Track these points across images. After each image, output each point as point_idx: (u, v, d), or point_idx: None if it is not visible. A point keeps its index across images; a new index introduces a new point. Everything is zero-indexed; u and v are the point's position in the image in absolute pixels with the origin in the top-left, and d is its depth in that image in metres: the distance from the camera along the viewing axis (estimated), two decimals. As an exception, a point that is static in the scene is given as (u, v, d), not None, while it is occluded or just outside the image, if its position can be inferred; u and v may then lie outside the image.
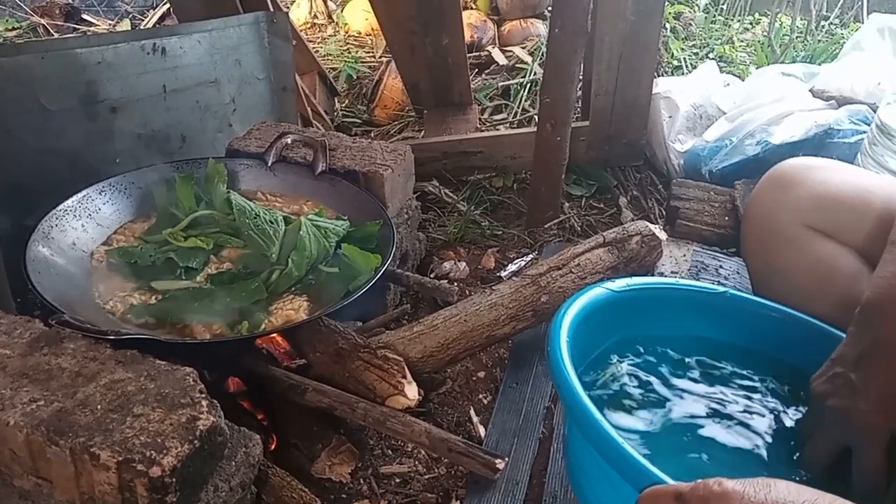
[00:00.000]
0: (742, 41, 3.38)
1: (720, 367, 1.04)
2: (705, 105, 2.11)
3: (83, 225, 1.24)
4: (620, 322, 1.01)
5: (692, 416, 0.95)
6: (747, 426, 0.93)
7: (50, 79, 1.41)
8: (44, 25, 3.28)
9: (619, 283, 1.03)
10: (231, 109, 1.75)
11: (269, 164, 1.43)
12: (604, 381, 0.95)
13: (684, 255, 1.62)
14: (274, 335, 1.29)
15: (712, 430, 0.93)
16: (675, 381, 1.00)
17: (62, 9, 3.29)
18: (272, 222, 1.23)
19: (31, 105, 1.38)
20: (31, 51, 1.38)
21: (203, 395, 0.89)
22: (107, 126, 1.52)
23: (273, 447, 1.18)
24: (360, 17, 3.37)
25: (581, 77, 2.18)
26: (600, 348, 0.98)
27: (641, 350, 1.04)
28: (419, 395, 1.21)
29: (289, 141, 1.44)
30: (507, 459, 1.18)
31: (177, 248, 1.19)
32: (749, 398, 0.97)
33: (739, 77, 2.44)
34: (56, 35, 3.18)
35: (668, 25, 3.19)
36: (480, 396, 1.40)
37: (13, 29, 3.26)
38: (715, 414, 0.94)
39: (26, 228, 1.18)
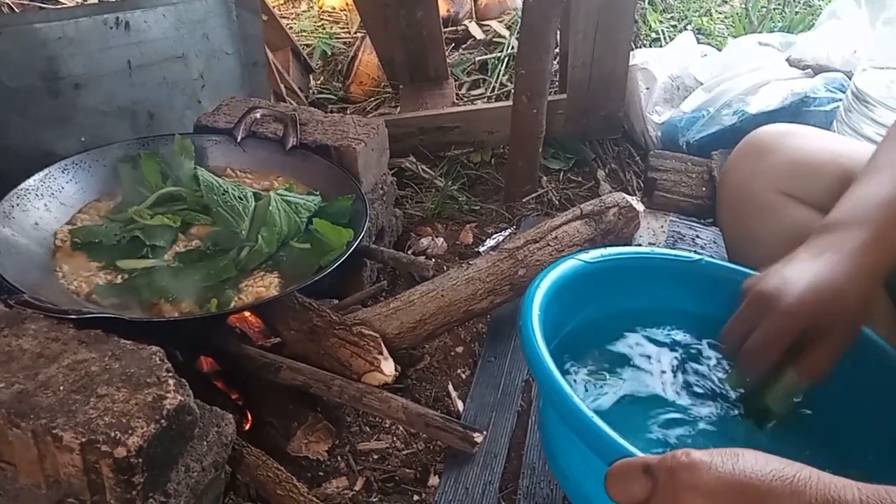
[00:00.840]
0: (720, 13, 3.37)
1: (695, 340, 1.03)
2: (683, 76, 2.09)
3: (46, 205, 1.21)
4: (594, 294, 1.00)
5: (664, 390, 0.94)
6: (721, 399, 0.92)
7: (9, 55, 1.36)
8: (8, 4, 3.19)
9: (592, 254, 1.01)
10: (200, 85, 1.71)
11: (239, 140, 1.39)
12: (576, 356, 0.94)
13: (661, 227, 1.62)
14: (247, 313, 1.27)
15: (685, 402, 0.92)
16: (648, 354, 0.99)
17: (28, -13, 3.19)
18: (241, 198, 1.20)
19: (-11, 82, 1.34)
20: (-14, 26, 1.33)
21: (170, 374, 0.87)
22: (70, 103, 1.48)
23: (248, 426, 1.16)
24: (334, -8, 3.31)
25: (558, 50, 2.16)
26: (574, 321, 0.97)
27: (615, 322, 1.03)
28: (396, 370, 1.20)
29: (258, 115, 1.41)
30: (485, 433, 1.17)
31: (143, 226, 1.16)
32: (723, 370, 0.97)
33: (717, 48, 2.42)
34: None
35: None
36: (459, 371, 1.39)
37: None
38: (687, 386, 0.94)
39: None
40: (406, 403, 1.17)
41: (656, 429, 0.87)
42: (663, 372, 0.97)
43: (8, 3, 3.22)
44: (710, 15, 3.32)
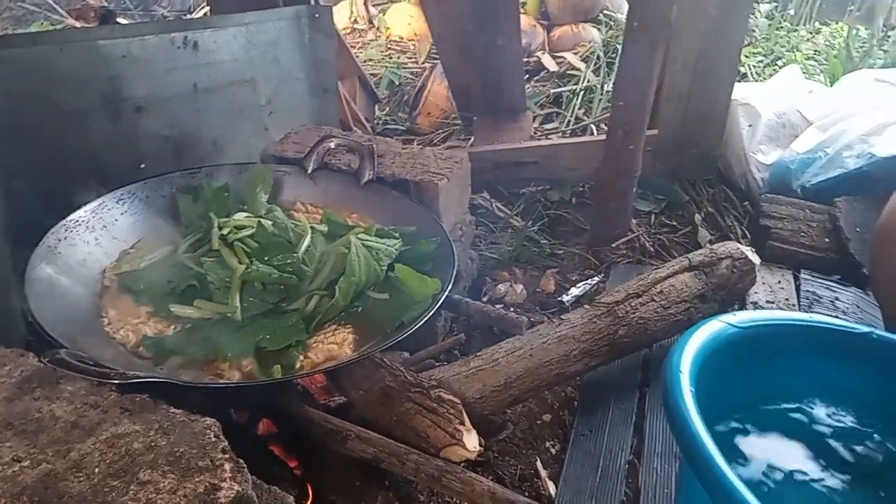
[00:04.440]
0: (808, 50, 3.16)
1: (861, 428, 0.84)
2: (789, 113, 1.89)
3: (96, 238, 1.08)
4: (745, 368, 0.82)
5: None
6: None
7: (69, 73, 1.26)
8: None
9: (741, 317, 0.83)
10: (267, 112, 1.59)
11: (310, 172, 1.25)
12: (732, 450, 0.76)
13: (779, 282, 1.41)
14: (312, 370, 1.12)
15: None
16: (810, 448, 0.81)
17: (97, 12, 3.20)
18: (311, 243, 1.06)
19: (47, 102, 1.23)
20: (48, 41, 1.23)
21: (226, 456, 0.72)
22: (131, 127, 1.37)
23: (308, 504, 0.99)
24: (402, 21, 3.22)
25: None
26: (726, 402, 0.79)
27: (767, 404, 0.84)
28: (480, 445, 1.02)
29: (332, 145, 1.27)
30: (586, 528, 0.98)
31: (198, 274, 1.01)
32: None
33: (824, 84, 2.22)
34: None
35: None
36: (547, 444, 1.20)
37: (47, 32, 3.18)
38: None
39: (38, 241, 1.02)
40: (493, 487, 0.98)
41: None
42: (823, 468, 0.78)
43: (78, 28, 3.23)
44: (799, 49, 3.12)
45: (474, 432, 1.03)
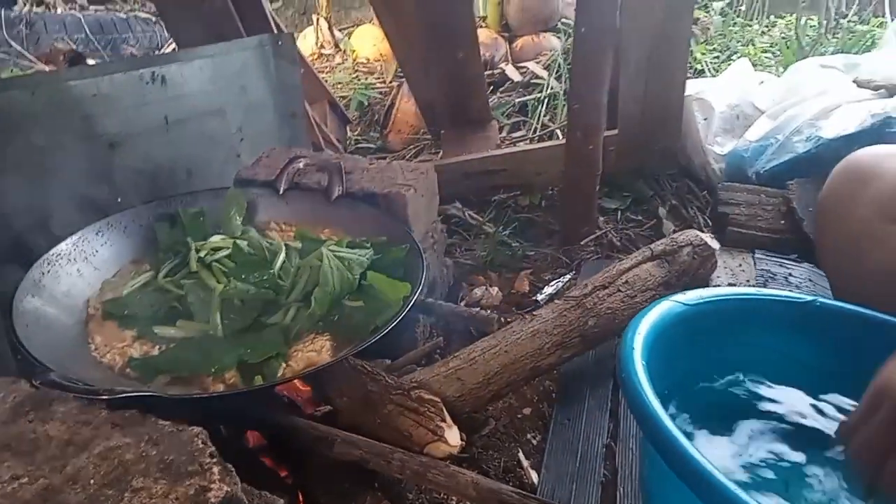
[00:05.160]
0: (762, 43, 3.27)
1: (810, 397, 0.89)
2: (741, 104, 1.97)
3: (78, 270, 1.12)
4: (695, 341, 0.87)
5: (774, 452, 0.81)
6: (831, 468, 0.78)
7: (43, 115, 1.30)
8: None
9: (690, 296, 0.89)
10: (238, 139, 1.64)
11: (281, 192, 1.30)
12: (686, 413, 0.81)
13: (740, 265, 1.47)
14: (295, 380, 1.16)
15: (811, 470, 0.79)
16: (760, 411, 0.86)
17: (66, 55, 3.25)
18: (287, 257, 1.10)
19: (22, 144, 1.28)
20: (20, 86, 1.28)
21: (214, 460, 0.75)
22: (106, 163, 1.41)
23: (300, 510, 1.03)
24: (367, 43, 3.30)
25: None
26: (677, 374, 0.84)
27: (718, 374, 0.89)
28: (462, 440, 1.06)
29: (301, 165, 1.32)
30: (567, 510, 1.03)
31: (178, 296, 1.06)
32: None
33: (774, 74, 2.30)
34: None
35: (687, 30, 3.08)
36: (529, 436, 1.25)
37: (19, 77, 3.22)
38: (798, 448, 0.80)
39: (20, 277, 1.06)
40: (476, 478, 1.02)
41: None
42: (773, 432, 0.84)
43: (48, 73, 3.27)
44: (753, 44, 3.22)
45: (455, 428, 1.08)
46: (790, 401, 0.88)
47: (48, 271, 1.08)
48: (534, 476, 1.16)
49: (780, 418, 0.85)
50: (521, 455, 1.20)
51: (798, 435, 0.83)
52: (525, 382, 1.27)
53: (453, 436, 1.06)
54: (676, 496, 0.69)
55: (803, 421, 0.85)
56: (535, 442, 1.24)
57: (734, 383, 0.89)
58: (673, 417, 0.78)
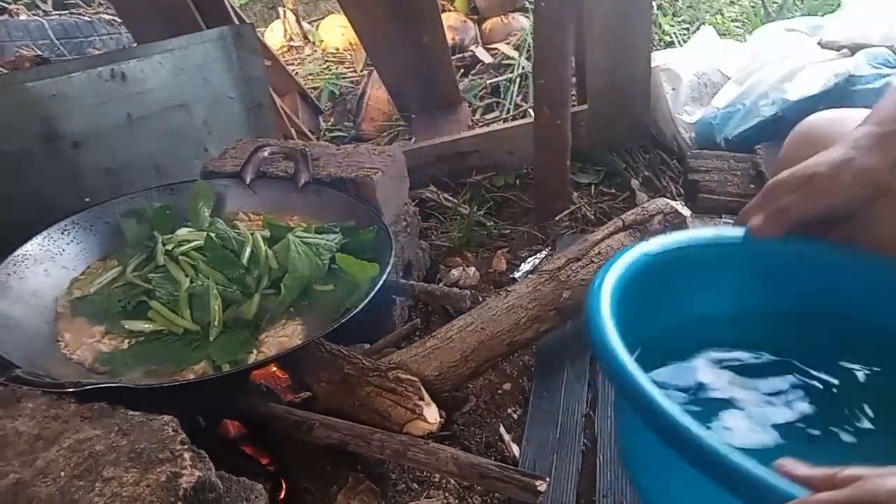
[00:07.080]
0: (731, 12, 3.27)
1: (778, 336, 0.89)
2: (708, 72, 1.98)
3: (45, 270, 1.11)
4: (664, 290, 0.87)
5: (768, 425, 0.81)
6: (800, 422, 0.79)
7: (3, 118, 1.29)
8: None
9: (653, 243, 0.88)
10: (205, 133, 1.63)
11: (248, 182, 1.30)
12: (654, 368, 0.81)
13: (712, 231, 1.48)
14: (273, 368, 1.16)
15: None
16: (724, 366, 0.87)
17: (32, 61, 3.19)
18: (255, 247, 1.10)
19: (-18, 148, 1.26)
20: (-24, 90, 1.27)
21: (185, 447, 0.75)
22: (71, 163, 1.40)
23: (282, 495, 1.03)
24: (336, 32, 3.27)
25: (573, 59, 2.06)
26: (646, 331, 0.84)
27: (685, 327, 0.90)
28: (440, 417, 1.07)
29: (266, 154, 1.32)
30: (548, 479, 1.03)
31: (146, 290, 1.05)
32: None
33: (739, 41, 2.31)
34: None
35: (654, 3, 3.08)
36: (509, 411, 1.26)
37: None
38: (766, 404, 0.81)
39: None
40: (456, 454, 1.03)
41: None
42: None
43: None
44: (722, 13, 3.23)
45: (434, 405, 1.08)
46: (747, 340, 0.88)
47: (14, 272, 1.07)
48: (515, 449, 1.16)
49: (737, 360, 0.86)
50: (502, 429, 1.21)
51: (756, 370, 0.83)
52: (503, 358, 1.27)
53: (432, 413, 1.06)
54: (642, 439, 0.69)
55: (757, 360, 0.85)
56: (515, 416, 1.25)
57: (702, 328, 0.89)
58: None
